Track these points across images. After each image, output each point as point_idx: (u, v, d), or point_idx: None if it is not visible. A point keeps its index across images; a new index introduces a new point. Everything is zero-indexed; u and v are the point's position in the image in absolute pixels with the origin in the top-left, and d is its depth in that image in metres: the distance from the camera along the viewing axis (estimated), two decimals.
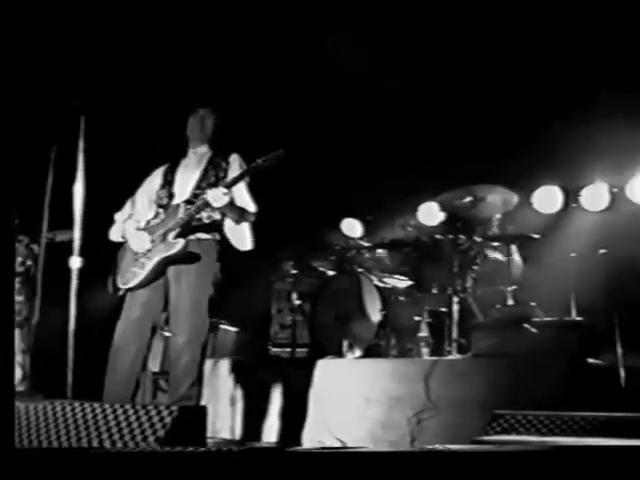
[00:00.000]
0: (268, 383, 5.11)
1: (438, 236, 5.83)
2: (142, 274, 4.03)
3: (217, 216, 4.13)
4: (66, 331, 3.65)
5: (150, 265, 4.02)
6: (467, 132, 6.30)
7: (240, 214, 4.12)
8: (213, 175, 4.19)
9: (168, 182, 4.27)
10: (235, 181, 4.02)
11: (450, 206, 5.99)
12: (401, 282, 5.94)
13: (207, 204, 3.96)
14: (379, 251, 6.31)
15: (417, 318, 5.60)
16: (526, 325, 4.90)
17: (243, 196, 4.17)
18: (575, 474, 2.09)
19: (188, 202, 4.09)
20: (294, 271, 6.35)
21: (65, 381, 3.55)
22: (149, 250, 4.05)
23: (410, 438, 4.47)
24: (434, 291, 5.70)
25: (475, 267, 5.61)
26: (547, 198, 6.46)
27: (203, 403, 3.98)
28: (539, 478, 2.07)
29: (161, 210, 4.19)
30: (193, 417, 3.00)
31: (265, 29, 5.85)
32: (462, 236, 5.61)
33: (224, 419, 5.17)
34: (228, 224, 4.16)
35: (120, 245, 4.23)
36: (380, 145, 6.62)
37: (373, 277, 5.81)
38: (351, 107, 6.35)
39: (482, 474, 2.03)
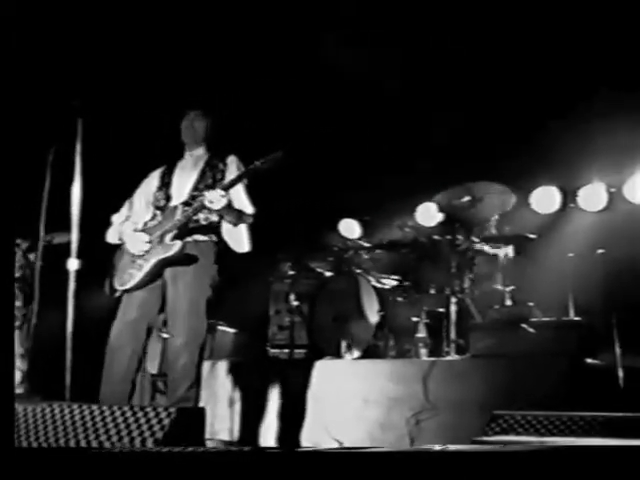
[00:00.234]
0: (266, 384, 5.10)
1: (436, 237, 5.83)
2: (139, 276, 4.03)
3: (214, 218, 4.12)
4: (64, 333, 3.64)
5: (147, 267, 4.02)
6: (465, 132, 6.30)
7: (237, 216, 4.12)
8: (210, 177, 4.19)
9: (165, 184, 4.27)
10: (233, 183, 4.02)
11: (448, 206, 5.99)
12: (399, 283, 5.94)
13: (204, 206, 3.96)
14: (377, 252, 6.31)
15: (415, 319, 5.60)
16: (524, 325, 4.90)
17: (240, 198, 4.17)
18: (574, 474, 2.09)
19: (185, 204, 4.08)
20: (292, 272, 6.35)
21: (63, 383, 3.55)
22: (146, 252, 4.04)
23: (409, 439, 4.47)
24: (432, 292, 5.71)
25: (473, 268, 5.62)
26: (545, 198, 6.46)
27: (201, 405, 3.97)
28: (538, 478, 2.07)
29: (158, 212, 4.19)
30: (191, 419, 3.00)
31: (265, 29, 5.85)
32: (460, 237, 5.61)
33: (222, 420, 5.17)
34: (225, 226, 4.15)
35: (117, 247, 4.22)
36: (378, 145, 6.62)
37: (371, 278, 5.81)
38: (350, 107, 6.34)
39: (481, 474, 2.03)
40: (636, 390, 4.18)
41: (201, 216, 4.08)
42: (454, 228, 5.71)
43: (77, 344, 3.63)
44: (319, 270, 6.41)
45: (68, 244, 3.78)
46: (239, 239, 4.17)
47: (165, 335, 4.91)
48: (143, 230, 4.14)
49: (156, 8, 5.59)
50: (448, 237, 5.65)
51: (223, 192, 3.94)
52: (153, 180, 4.35)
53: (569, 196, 6.39)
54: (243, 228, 4.18)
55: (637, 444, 2.57)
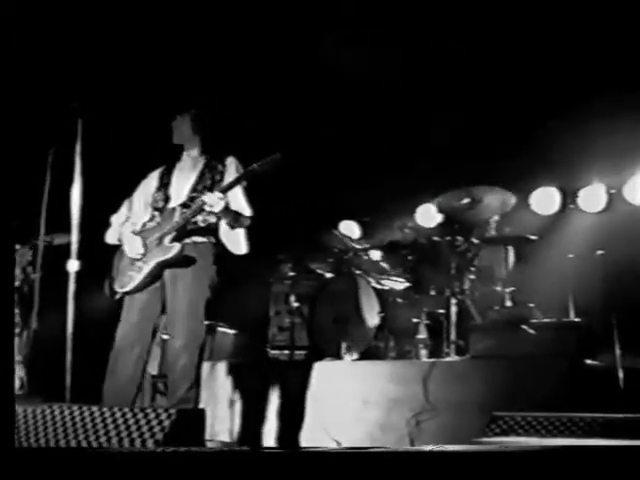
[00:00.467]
0: (266, 385, 5.10)
1: (436, 238, 5.83)
2: (139, 278, 4.03)
3: (212, 219, 4.12)
4: (64, 334, 3.64)
5: (146, 269, 4.02)
6: (465, 133, 6.30)
7: (235, 219, 4.11)
8: (209, 178, 4.19)
9: (164, 185, 4.27)
10: (231, 186, 4.02)
11: (448, 208, 5.99)
12: (399, 284, 5.93)
13: (203, 208, 3.96)
14: (377, 253, 6.30)
15: (415, 320, 5.59)
16: (524, 326, 4.90)
17: (239, 200, 4.16)
18: (574, 475, 2.09)
19: (184, 205, 4.08)
20: (292, 273, 6.34)
21: (63, 384, 3.54)
22: (145, 254, 4.05)
23: (409, 440, 4.47)
24: (432, 293, 5.71)
25: (473, 269, 5.62)
26: (545, 199, 6.47)
27: (201, 406, 3.97)
28: (538, 479, 2.07)
29: (157, 213, 4.19)
30: (191, 420, 3.00)
31: (265, 29, 5.85)
32: (460, 238, 5.61)
33: (222, 421, 5.17)
34: (223, 228, 4.15)
35: (117, 248, 4.22)
36: (378, 146, 6.62)
37: (371, 279, 5.81)
38: (350, 107, 6.34)
39: (481, 474, 2.03)
40: (636, 391, 4.17)
41: (199, 218, 4.08)
42: (454, 229, 5.71)
43: (77, 345, 3.63)
44: (319, 271, 6.40)
45: (68, 245, 3.78)
46: (236, 241, 4.17)
47: (165, 336, 4.90)
48: (141, 232, 4.14)
49: (156, 8, 5.59)
50: (448, 238, 5.65)
51: (221, 195, 3.94)
52: (152, 181, 4.34)
53: (569, 197, 6.39)
54: (240, 230, 4.18)
55: (637, 445, 2.57)
